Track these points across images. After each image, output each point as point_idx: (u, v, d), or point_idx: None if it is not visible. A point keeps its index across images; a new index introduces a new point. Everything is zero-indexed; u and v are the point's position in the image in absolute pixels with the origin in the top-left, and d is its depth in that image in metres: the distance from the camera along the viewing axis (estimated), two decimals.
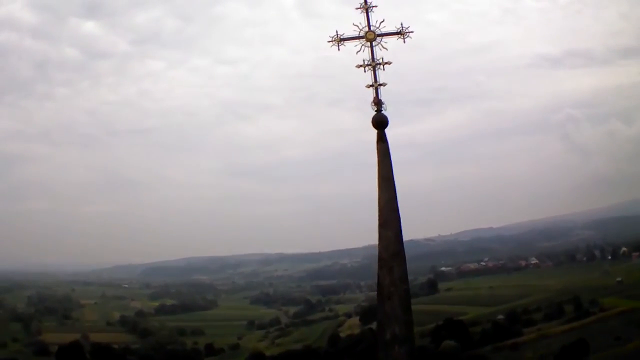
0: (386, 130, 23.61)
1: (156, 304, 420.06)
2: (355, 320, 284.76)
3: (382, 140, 23.89)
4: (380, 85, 24.49)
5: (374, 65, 24.61)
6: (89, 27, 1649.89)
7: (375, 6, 25.10)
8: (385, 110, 24.23)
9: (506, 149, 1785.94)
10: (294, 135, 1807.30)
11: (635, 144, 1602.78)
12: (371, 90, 24.45)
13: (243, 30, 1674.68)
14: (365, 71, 24.62)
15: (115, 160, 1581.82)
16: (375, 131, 24.11)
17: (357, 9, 25.23)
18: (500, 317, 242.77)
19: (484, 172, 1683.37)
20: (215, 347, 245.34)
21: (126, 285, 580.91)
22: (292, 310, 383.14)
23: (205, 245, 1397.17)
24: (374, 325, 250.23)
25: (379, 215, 23.27)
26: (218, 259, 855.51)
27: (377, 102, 24.22)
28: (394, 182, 23.87)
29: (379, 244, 23.00)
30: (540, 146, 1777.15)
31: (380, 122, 24.03)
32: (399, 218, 23.46)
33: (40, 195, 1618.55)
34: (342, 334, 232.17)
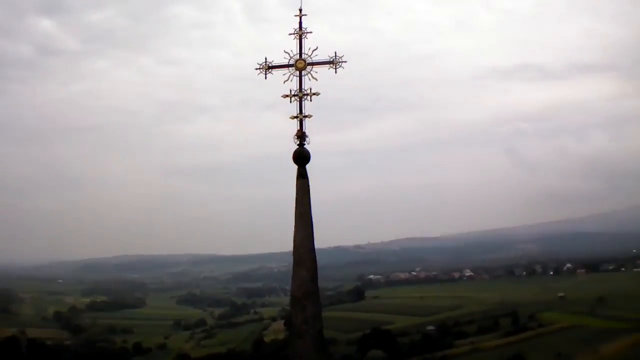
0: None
1: (87, 300, 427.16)
2: (280, 324, 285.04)
3: (302, 176, 23.40)
4: (305, 117, 23.84)
5: (300, 95, 24.01)
6: (45, 24, 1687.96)
7: (310, 32, 24.44)
8: (308, 144, 23.60)
9: (447, 159, 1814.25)
10: (230, 138, 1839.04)
11: (586, 161, 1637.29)
12: (295, 122, 23.83)
13: (190, 32, 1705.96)
14: (291, 101, 24.06)
15: (57, 157, 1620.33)
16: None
17: (291, 34, 24.65)
18: (430, 328, 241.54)
19: (422, 181, 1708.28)
20: (143, 347, 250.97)
21: (60, 281, 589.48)
22: (218, 311, 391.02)
23: (139, 244, 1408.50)
24: None
25: (294, 253, 23.18)
26: (150, 258, 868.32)
27: (300, 136, 23.59)
28: (311, 219, 23.52)
29: (292, 282, 23.06)
30: (485, 158, 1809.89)
31: (301, 157, 23.46)
32: (315, 258, 23.26)
33: None
34: (266, 338, 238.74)
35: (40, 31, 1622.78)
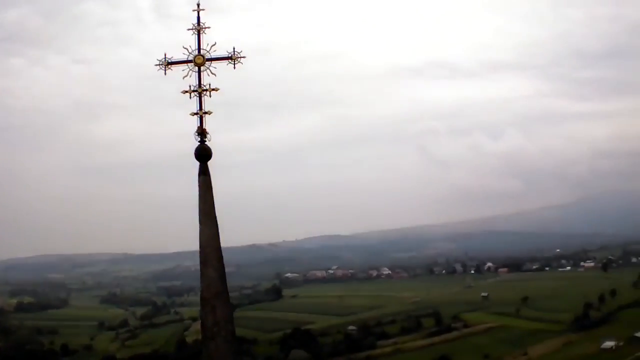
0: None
1: (15, 301, 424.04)
2: (197, 325, 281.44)
3: (204, 173, 22.53)
4: (205, 113, 22.98)
5: (200, 91, 23.10)
6: None
7: (208, 27, 23.43)
8: (209, 140, 22.76)
9: (358, 156, 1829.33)
10: (141, 136, 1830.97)
11: (501, 159, 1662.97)
12: (195, 119, 22.96)
13: (99, 30, 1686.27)
14: (190, 97, 23.03)
15: None
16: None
17: (189, 29, 23.62)
18: (352, 328, 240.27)
19: (333, 178, 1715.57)
20: (70, 348, 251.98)
21: None
22: (140, 311, 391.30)
23: (56, 243, 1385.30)
24: None
25: (200, 253, 22.16)
26: (68, 257, 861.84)
27: (201, 132, 22.72)
28: (215, 218, 22.54)
29: (201, 283, 22.03)
30: (396, 155, 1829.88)
31: (202, 155, 22.64)
32: (221, 256, 22.32)
33: None
34: (188, 339, 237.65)
35: None
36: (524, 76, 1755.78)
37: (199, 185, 22.43)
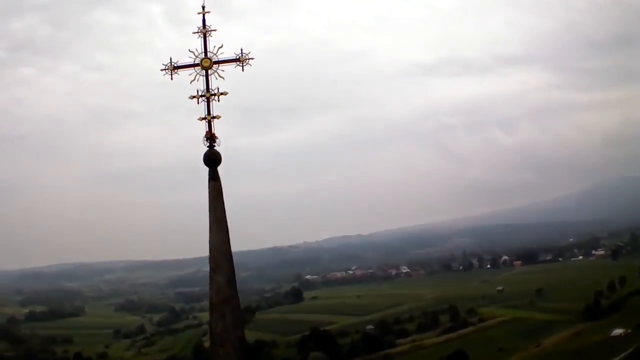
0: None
1: (26, 310, 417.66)
2: None
3: (214, 178, 22.69)
4: (214, 118, 23.02)
5: (208, 96, 23.16)
6: None
7: (214, 30, 23.65)
8: (218, 145, 22.85)
9: (376, 156, 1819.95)
10: (157, 143, 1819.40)
11: (515, 153, 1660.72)
12: (204, 124, 22.85)
13: (112, 38, 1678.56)
14: (198, 102, 23.14)
15: None
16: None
17: (195, 33, 23.81)
18: (370, 327, 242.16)
19: (352, 179, 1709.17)
20: (84, 356, 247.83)
21: None
22: (157, 317, 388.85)
23: (73, 252, 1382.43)
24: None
25: (210, 259, 22.29)
26: (85, 266, 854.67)
27: (210, 137, 22.80)
28: (226, 223, 22.60)
29: (210, 289, 22.01)
30: (413, 154, 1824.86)
31: (211, 160, 22.75)
32: (232, 263, 22.35)
33: None
34: (206, 344, 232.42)
35: None
36: (535, 69, 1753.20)
37: (209, 191, 22.62)
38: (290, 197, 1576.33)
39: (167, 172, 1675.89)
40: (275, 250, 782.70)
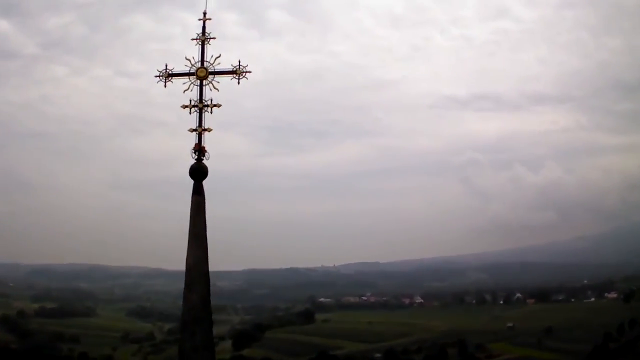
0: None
1: (37, 306, 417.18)
2: (228, 344, 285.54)
3: (197, 192, 22.66)
4: (205, 130, 22.96)
5: (200, 107, 23.04)
6: (2, 25, 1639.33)
7: (213, 38, 23.62)
8: (207, 159, 22.76)
9: (401, 186, 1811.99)
10: (184, 155, 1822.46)
11: (538, 191, 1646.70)
12: (194, 135, 23.05)
13: (146, 45, 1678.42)
14: (190, 113, 23.06)
15: (10, 161, 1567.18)
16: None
17: (193, 39, 23.89)
18: (377, 355, 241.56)
19: (375, 207, 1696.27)
20: (89, 357, 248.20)
21: (12, 284, 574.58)
22: (168, 326, 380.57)
23: (89, 253, 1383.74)
24: (246, 352, 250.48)
25: (186, 275, 22.61)
26: (100, 268, 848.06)
27: (198, 150, 22.65)
28: (206, 240, 22.83)
29: (183, 306, 22.59)
30: (438, 187, 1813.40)
31: (197, 173, 22.65)
32: (208, 281, 22.72)
33: None
34: None
35: None
36: (564, 108, 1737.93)
37: (191, 205, 22.60)
38: (312, 220, 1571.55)
39: (190, 183, 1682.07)
40: (292, 271, 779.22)
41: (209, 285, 22.62)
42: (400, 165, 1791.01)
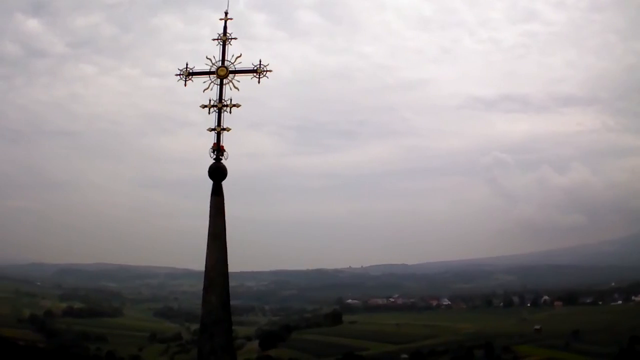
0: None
1: (64, 305, 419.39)
2: (255, 344, 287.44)
3: (216, 193, 22.11)
4: (223, 130, 22.65)
5: (220, 106, 22.77)
6: (32, 24, 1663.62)
7: (235, 38, 23.42)
8: (226, 159, 22.40)
9: (428, 187, 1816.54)
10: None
11: (566, 193, 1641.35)
12: (214, 135, 22.65)
13: (175, 45, 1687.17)
14: (209, 112, 22.85)
15: (39, 159, 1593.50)
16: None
17: (214, 39, 23.63)
18: (404, 356, 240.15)
19: (403, 208, 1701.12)
20: (116, 356, 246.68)
21: (39, 283, 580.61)
22: (194, 326, 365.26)
23: (116, 253, 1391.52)
24: (273, 353, 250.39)
25: (205, 277, 22.07)
26: (127, 268, 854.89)
27: (217, 149, 22.29)
28: (225, 241, 22.32)
29: (202, 307, 21.76)
30: (466, 188, 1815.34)
31: (216, 173, 22.21)
32: (227, 283, 22.09)
33: None
34: (240, 358, 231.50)
35: (26, 31, 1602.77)
36: (591, 110, 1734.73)
37: (210, 206, 22.08)
38: (339, 220, 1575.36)
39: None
40: (320, 272, 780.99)
41: (228, 287, 22.00)
42: (427, 166, 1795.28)
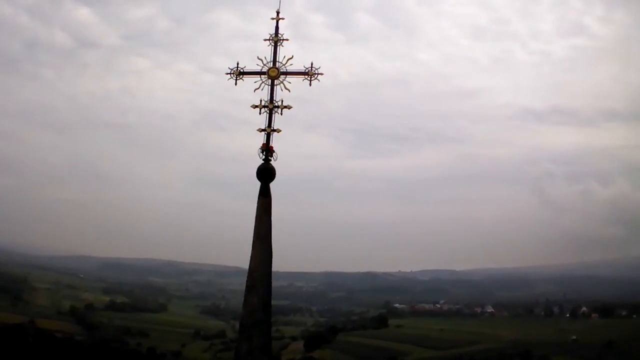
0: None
1: (107, 299, 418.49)
2: (300, 344, 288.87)
3: (264, 194, 21.63)
4: (273, 131, 22.27)
5: (271, 107, 22.44)
6: (83, 13, 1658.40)
7: (286, 40, 23.26)
8: (275, 160, 22.03)
9: (478, 195, 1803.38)
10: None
11: (609, 206, 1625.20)
12: (263, 135, 22.26)
13: (231, 42, 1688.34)
14: (260, 113, 22.50)
15: (89, 150, 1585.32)
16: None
17: (266, 40, 23.49)
18: None
19: (452, 214, 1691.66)
20: (157, 352, 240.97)
21: (82, 276, 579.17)
22: None
23: (164, 248, 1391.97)
24: (317, 354, 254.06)
25: (248, 278, 21.30)
26: (175, 264, 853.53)
27: (266, 150, 21.90)
28: (270, 243, 21.55)
29: (243, 308, 21.33)
30: (513, 197, 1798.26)
31: (264, 174, 21.86)
32: (269, 284, 21.46)
33: (7, 171, 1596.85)
34: (283, 358, 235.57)
35: (77, 20, 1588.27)
36: (636, 125, 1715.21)
37: (257, 207, 21.49)
38: (391, 224, 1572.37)
39: (271, 183, 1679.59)
40: (369, 275, 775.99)
41: (270, 288, 21.46)
42: (477, 173, 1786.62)
